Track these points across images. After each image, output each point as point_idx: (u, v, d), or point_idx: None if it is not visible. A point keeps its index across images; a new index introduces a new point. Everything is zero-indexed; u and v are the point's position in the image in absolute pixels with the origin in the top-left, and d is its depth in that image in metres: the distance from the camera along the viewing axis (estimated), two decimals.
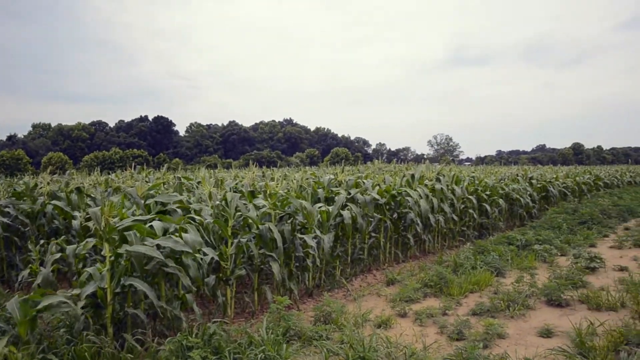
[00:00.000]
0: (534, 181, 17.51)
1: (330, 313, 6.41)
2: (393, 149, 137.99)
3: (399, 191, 9.78)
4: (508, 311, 6.89)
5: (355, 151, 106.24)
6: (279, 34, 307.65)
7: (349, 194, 8.68)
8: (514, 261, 9.77)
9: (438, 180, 11.39)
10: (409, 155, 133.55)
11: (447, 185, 11.37)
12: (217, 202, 6.81)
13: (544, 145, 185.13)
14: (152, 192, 6.87)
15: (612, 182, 27.42)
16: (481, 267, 8.86)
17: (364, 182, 9.32)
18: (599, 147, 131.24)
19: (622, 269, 9.53)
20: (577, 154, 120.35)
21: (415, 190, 10.14)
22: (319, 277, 8.12)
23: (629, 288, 7.78)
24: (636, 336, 5.64)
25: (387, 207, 9.58)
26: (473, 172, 16.65)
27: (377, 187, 9.54)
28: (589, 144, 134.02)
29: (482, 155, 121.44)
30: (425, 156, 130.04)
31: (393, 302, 7.34)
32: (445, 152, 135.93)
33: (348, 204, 8.40)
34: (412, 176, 10.77)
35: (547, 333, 6.15)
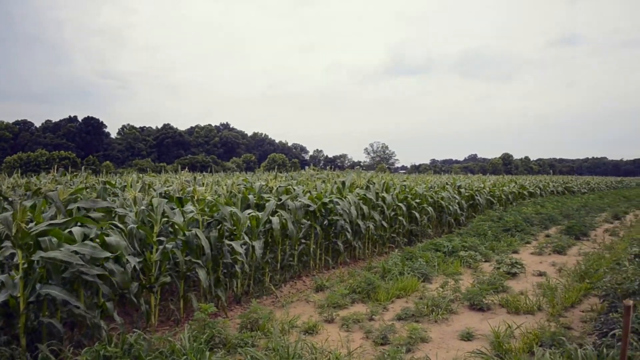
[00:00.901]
0: (462, 190, 18.06)
1: (258, 320, 6.37)
2: (330, 155, 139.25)
3: (330, 198, 9.86)
4: (432, 315, 7.06)
5: (293, 157, 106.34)
6: (218, 37, 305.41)
7: (280, 200, 8.67)
8: (441, 267, 10.03)
9: (368, 187, 11.56)
10: (346, 162, 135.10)
11: (378, 193, 11.55)
12: (143, 207, 6.63)
13: (476, 155, 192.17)
14: (75, 196, 6.62)
15: (536, 192, 28.66)
16: (408, 273, 9.05)
17: (294, 189, 9.34)
18: (527, 157, 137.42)
19: (541, 274, 9.98)
20: (506, 164, 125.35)
21: (345, 197, 10.25)
22: (248, 283, 8.05)
23: (546, 292, 8.17)
24: (549, 338, 5.93)
25: (318, 213, 9.63)
26: (404, 181, 16.97)
27: (308, 194, 9.57)
28: (517, 154, 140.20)
29: (417, 164, 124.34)
30: (361, 164, 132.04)
31: (321, 308, 7.37)
32: (381, 160, 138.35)
33: (278, 210, 8.38)
34: (343, 183, 10.88)
35: (468, 336, 6.35)
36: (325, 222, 9.91)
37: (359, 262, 10.93)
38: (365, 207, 10.61)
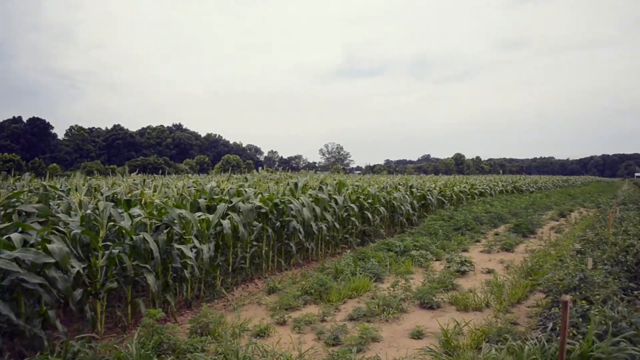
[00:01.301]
0: (414, 190, 18.32)
1: (208, 324, 6.28)
2: (285, 157, 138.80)
3: (282, 199, 9.82)
4: (383, 315, 7.13)
5: (247, 159, 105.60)
6: (170, 35, 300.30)
7: (230, 202, 8.57)
8: (393, 266, 10.14)
9: (321, 189, 11.58)
10: (301, 163, 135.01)
11: (330, 194, 11.59)
12: (89, 212, 6.44)
13: (429, 155, 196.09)
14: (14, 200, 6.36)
15: (486, 191, 29.34)
16: (361, 273, 9.11)
17: (246, 191, 9.25)
18: (478, 157, 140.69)
19: (489, 271, 10.23)
20: (458, 164, 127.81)
21: (298, 198, 10.24)
22: (199, 287, 7.93)
23: (493, 289, 8.38)
24: (496, 334, 6.08)
25: (270, 215, 9.57)
26: (357, 181, 17.08)
27: (260, 196, 9.51)
28: (469, 154, 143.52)
29: (372, 164, 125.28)
30: (316, 164, 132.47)
31: (273, 311, 7.34)
32: (336, 160, 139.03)
33: (229, 212, 8.28)
34: (296, 185, 10.87)
35: (418, 334, 6.44)
36: (278, 223, 9.86)
37: (312, 263, 10.93)
38: (317, 208, 10.62)
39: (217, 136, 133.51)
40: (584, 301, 4.87)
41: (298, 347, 5.93)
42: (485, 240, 14.64)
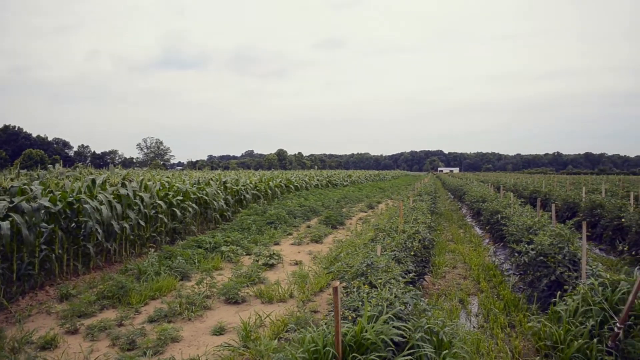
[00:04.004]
0: (228, 185, 18.28)
1: None
2: (99, 152, 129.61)
3: (77, 198, 9.07)
4: (186, 314, 7.01)
5: (54, 154, 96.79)
6: None
7: (12, 202, 7.68)
8: (202, 264, 10.01)
9: (123, 185, 10.94)
10: (117, 158, 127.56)
11: (135, 191, 11.01)
12: None
13: (253, 151, 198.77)
14: None
15: (302, 185, 30.45)
16: (166, 273, 8.85)
17: (31, 189, 8.36)
18: (300, 153, 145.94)
19: (297, 263, 10.60)
20: (281, 159, 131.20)
21: (96, 196, 9.54)
22: None
23: (298, 280, 8.69)
24: (295, 323, 6.30)
25: (64, 215, 8.79)
26: (167, 177, 16.53)
27: (51, 194, 8.67)
28: (292, 150, 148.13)
29: (194, 160, 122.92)
30: (134, 160, 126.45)
31: (64, 319, 6.77)
32: (156, 156, 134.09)
33: (11, 213, 7.42)
34: (93, 181, 10.12)
35: (220, 331, 6.44)
36: (73, 224, 9.09)
37: (115, 265, 10.27)
38: (119, 206, 10.00)
39: (16, 128, 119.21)
40: (366, 286, 5.22)
41: (88, 355, 5.54)
42: (297, 233, 15.17)
